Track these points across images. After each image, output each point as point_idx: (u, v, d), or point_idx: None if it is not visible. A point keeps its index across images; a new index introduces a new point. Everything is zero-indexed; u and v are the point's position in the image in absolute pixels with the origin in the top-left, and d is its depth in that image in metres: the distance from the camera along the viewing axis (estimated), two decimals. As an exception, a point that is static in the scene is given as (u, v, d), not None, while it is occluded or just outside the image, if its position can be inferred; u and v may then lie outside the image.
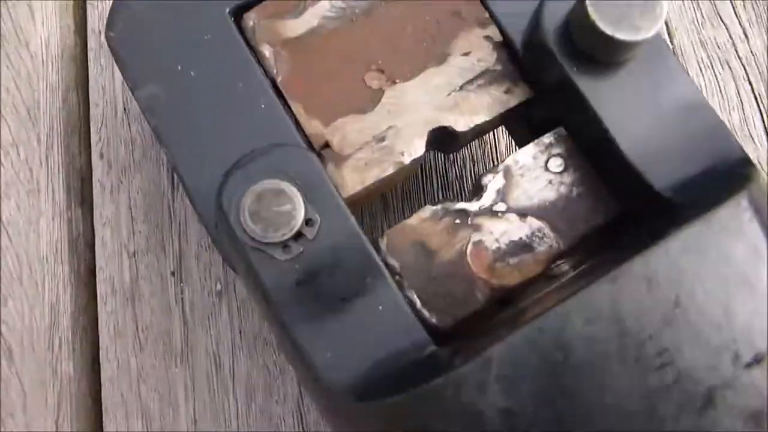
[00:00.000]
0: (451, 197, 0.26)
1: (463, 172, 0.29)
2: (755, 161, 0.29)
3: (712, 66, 0.30)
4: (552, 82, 0.20)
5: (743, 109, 0.29)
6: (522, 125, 0.23)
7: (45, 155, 0.29)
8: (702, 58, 0.30)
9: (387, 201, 0.29)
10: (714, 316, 0.14)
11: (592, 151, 0.20)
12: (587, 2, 0.17)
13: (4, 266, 0.28)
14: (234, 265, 0.19)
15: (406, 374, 0.16)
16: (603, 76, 0.18)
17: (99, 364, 0.28)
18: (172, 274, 0.28)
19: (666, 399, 0.14)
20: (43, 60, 0.30)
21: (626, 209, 0.19)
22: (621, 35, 0.17)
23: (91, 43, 0.30)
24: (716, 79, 0.29)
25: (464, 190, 0.28)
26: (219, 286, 0.28)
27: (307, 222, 0.17)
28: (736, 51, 0.30)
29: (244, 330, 0.28)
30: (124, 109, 0.29)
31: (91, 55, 0.30)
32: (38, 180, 0.29)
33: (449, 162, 0.29)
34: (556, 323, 0.14)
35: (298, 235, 0.17)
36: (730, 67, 0.30)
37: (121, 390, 0.28)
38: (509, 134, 0.25)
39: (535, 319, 0.14)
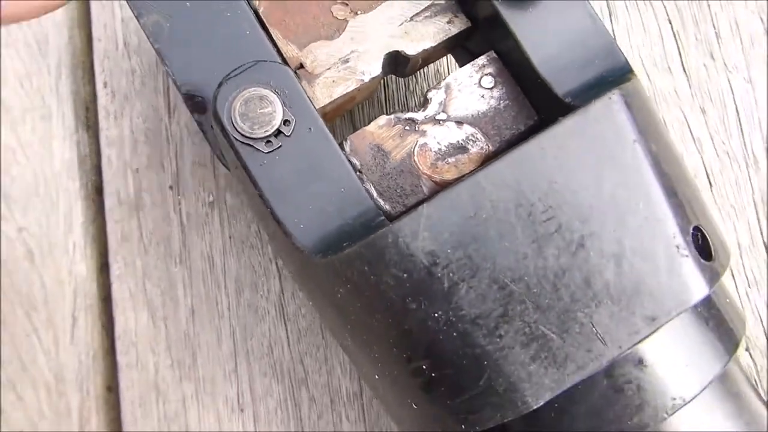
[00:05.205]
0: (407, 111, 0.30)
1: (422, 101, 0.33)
2: (673, 91, 0.34)
3: (638, 7, 0.34)
4: (484, 14, 0.24)
5: (663, 45, 0.34)
6: (465, 54, 0.28)
7: (55, 84, 0.33)
8: (629, 1, 0.34)
9: (355, 124, 0.33)
10: (587, 182, 0.19)
11: (515, 69, 0.24)
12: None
13: (23, 182, 0.33)
14: (226, 161, 0.24)
15: (359, 235, 0.20)
16: (522, 8, 0.23)
17: (108, 265, 0.33)
18: (170, 187, 0.33)
19: (550, 243, 0.19)
20: None
21: (542, 118, 0.24)
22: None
23: (93, -15, 0.34)
24: (641, 18, 0.34)
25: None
26: (211, 198, 0.33)
27: (285, 122, 0.22)
28: (659, -6, 0.34)
29: (233, 235, 0.33)
30: (124, 44, 0.33)
31: (93, -5, 0.34)
32: (50, 106, 0.33)
33: (409, 92, 0.34)
34: (470, 188, 0.19)
35: (278, 133, 0.22)
36: (653, 9, 0.34)
37: (129, 287, 0.32)
38: (456, 63, 0.30)
39: (455, 185, 0.19)
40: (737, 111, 0.33)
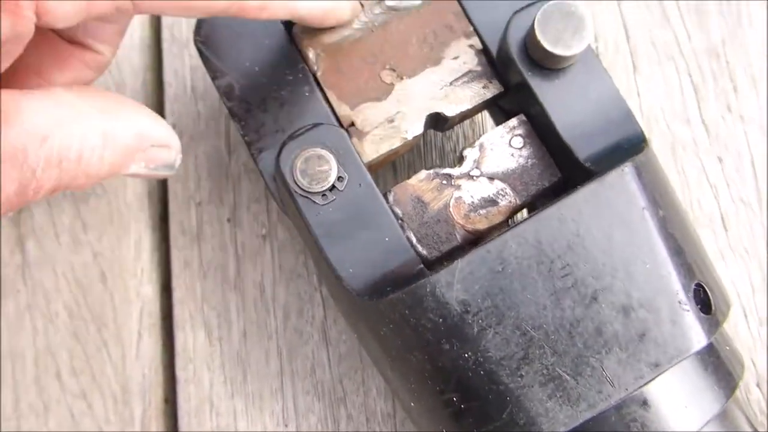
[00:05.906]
0: (445, 166, 0.33)
1: (456, 147, 0.36)
2: (692, 140, 0.36)
3: (660, 62, 0.37)
4: (515, 81, 0.27)
5: (684, 97, 0.36)
6: (498, 112, 0.31)
7: (129, 125, 0.37)
8: (651, 55, 0.37)
9: (396, 169, 0.36)
10: (601, 243, 0.22)
11: (542, 132, 0.27)
12: (535, 26, 0.25)
13: (99, 212, 0.37)
14: (286, 209, 0.27)
15: (401, 281, 0.24)
16: (549, 79, 0.26)
17: (171, 289, 0.36)
18: (228, 220, 0.36)
19: (566, 296, 0.22)
20: (126, 47, 0.37)
21: (565, 175, 0.27)
22: (558, 51, 0.24)
23: (165, 35, 0.38)
24: (663, 72, 0.36)
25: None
26: (264, 231, 0.36)
27: (339, 178, 0.25)
28: (680, 49, 0.37)
29: (282, 266, 0.36)
30: (192, 88, 0.37)
31: (165, 45, 0.37)
32: (124, 145, 0.37)
33: (446, 138, 0.37)
34: (499, 246, 0.22)
35: (332, 188, 0.25)
36: (675, 63, 0.37)
37: (188, 309, 0.36)
38: (492, 118, 0.33)
39: (485, 243, 0.22)
40: (752, 160, 0.36)
